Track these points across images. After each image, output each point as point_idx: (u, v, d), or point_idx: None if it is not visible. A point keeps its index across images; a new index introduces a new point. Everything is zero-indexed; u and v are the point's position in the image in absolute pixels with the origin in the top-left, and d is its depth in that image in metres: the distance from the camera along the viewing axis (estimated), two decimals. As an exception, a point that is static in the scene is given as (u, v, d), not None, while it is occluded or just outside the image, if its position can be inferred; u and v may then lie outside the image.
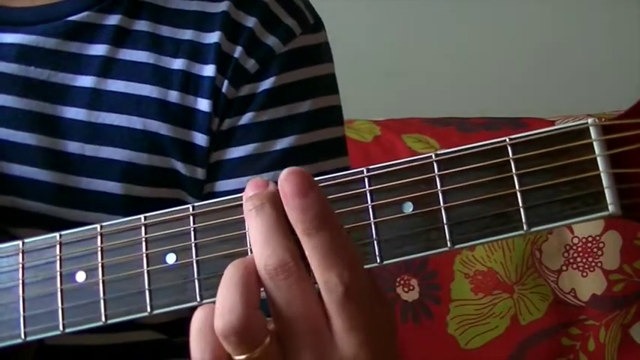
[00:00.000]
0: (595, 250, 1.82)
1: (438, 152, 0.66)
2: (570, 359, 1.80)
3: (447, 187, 0.66)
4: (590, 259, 1.82)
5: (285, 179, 0.66)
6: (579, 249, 1.82)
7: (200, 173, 0.99)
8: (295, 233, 0.66)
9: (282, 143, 1.01)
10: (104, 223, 0.73)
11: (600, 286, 1.81)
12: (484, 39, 2.34)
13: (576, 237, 1.81)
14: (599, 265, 1.82)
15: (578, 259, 1.82)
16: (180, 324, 1.04)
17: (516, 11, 2.34)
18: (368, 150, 1.84)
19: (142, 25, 1.00)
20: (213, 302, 0.66)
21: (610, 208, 0.63)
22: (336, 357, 0.66)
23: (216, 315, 0.65)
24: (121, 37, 0.99)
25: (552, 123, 1.95)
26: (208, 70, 0.99)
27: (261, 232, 0.66)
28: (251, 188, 0.68)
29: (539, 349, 1.76)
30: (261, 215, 0.66)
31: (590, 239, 1.82)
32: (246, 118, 1.00)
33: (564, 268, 1.83)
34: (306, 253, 0.65)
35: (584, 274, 1.82)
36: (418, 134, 1.94)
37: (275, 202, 0.67)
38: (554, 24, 2.34)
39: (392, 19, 2.33)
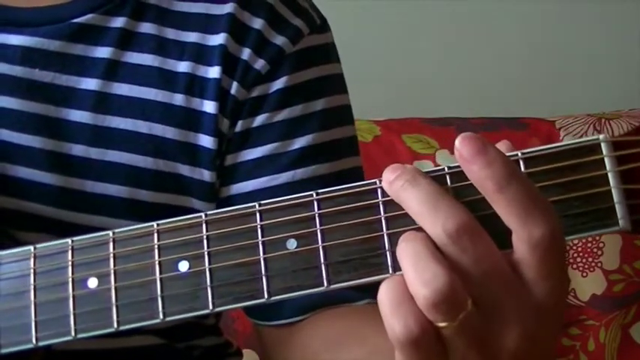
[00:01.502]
0: (595, 250, 1.83)
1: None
2: (570, 359, 1.80)
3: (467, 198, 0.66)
4: (590, 259, 1.83)
5: (461, 144, 0.64)
6: (579, 249, 1.83)
7: (207, 176, 0.99)
8: None
9: (300, 142, 1.01)
10: (116, 230, 0.73)
11: (600, 286, 1.82)
12: (484, 39, 2.34)
13: (576, 237, 1.82)
14: (599, 265, 1.83)
15: (578, 259, 1.83)
16: (182, 329, 1.04)
17: (516, 11, 2.33)
18: (368, 150, 1.84)
19: (146, 28, 1.00)
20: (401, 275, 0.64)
21: (620, 223, 0.64)
22: (531, 304, 0.64)
23: (416, 286, 0.62)
24: (126, 40, 0.99)
25: (552, 123, 1.96)
26: (213, 71, 0.99)
27: (425, 201, 0.64)
28: (390, 172, 0.66)
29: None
30: (418, 185, 0.65)
31: (590, 239, 1.82)
32: (260, 119, 1.01)
33: (564, 268, 1.83)
34: (501, 212, 0.63)
35: (584, 274, 1.82)
36: (418, 134, 1.94)
37: (425, 174, 0.65)
38: (555, 24, 2.34)
39: (392, 19, 2.33)
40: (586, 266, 1.83)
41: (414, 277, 0.63)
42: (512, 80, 2.32)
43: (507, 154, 0.65)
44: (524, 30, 2.34)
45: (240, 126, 1.00)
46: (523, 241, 0.63)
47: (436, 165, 1.84)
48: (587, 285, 1.82)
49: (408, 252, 0.64)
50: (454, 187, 0.66)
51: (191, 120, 0.99)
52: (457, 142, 0.64)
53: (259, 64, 1.01)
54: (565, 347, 1.80)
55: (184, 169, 0.99)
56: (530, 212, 0.62)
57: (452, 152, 0.65)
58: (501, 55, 2.34)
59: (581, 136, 1.90)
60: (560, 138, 1.92)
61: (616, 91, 2.22)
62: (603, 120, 1.95)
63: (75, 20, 0.98)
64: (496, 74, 2.33)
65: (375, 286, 0.70)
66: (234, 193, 1.01)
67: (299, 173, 1.01)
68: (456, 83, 2.32)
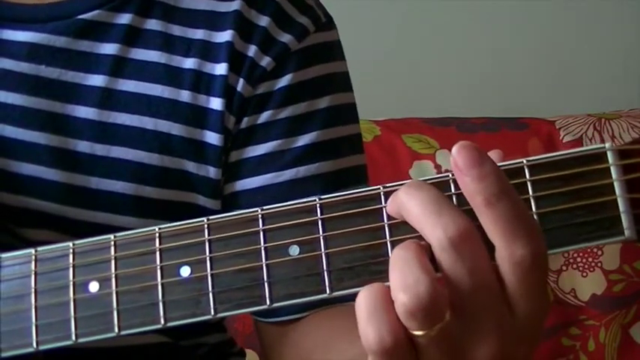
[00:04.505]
0: (595, 250, 1.83)
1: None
2: (570, 359, 1.80)
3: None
4: (590, 259, 1.83)
5: (458, 153, 0.63)
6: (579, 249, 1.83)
7: (213, 172, 0.99)
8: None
9: (304, 139, 1.01)
10: (118, 234, 0.72)
11: (600, 286, 1.82)
12: (484, 39, 2.34)
13: (576, 237, 1.82)
14: (599, 265, 1.83)
15: (578, 259, 1.83)
16: (186, 328, 1.04)
17: (516, 11, 2.34)
18: (368, 150, 1.82)
19: (153, 25, 1.00)
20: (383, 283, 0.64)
21: (626, 232, 0.63)
22: (511, 321, 0.63)
23: (397, 291, 0.61)
24: (133, 37, 0.99)
25: (552, 123, 1.96)
26: (220, 68, 0.99)
27: (428, 205, 0.63)
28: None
29: (539, 348, 1.75)
30: (421, 190, 0.64)
31: (590, 239, 1.82)
32: (265, 116, 1.01)
33: (564, 268, 1.83)
34: (487, 227, 0.63)
35: (584, 274, 1.83)
36: (418, 134, 1.94)
37: (426, 182, 0.65)
38: (555, 24, 2.34)
39: (392, 19, 2.33)
40: (586, 266, 1.83)
41: (396, 281, 0.62)
42: (512, 80, 2.32)
43: (513, 161, 0.65)
44: (524, 30, 2.34)
45: (245, 123, 1.01)
46: (504, 258, 0.62)
47: (436, 165, 1.84)
48: (587, 285, 1.82)
49: (398, 258, 0.63)
50: (458, 194, 0.65)
51: (197, 117, 0.99)
52: (454, 150, 0.63)
53: (265, 61, 1.01)
54: (565, 347, 1.81)
55: (190, 166, 0.99)
56: (515, 232, 0.62)
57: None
58: (501, 55, 2.34)
59: (581, 136, 1.91)
60: (561, 138, 1.92)
61: (616, 91, 2.23)
62: (603, 120, 1.95)
63: (81, 16, 0.98)
64: (496, 74, 2.33)
65: None
66: (238, 189, 1.01)
67: (302, 171, 1.01)
68: (456, 83, 2.33)
